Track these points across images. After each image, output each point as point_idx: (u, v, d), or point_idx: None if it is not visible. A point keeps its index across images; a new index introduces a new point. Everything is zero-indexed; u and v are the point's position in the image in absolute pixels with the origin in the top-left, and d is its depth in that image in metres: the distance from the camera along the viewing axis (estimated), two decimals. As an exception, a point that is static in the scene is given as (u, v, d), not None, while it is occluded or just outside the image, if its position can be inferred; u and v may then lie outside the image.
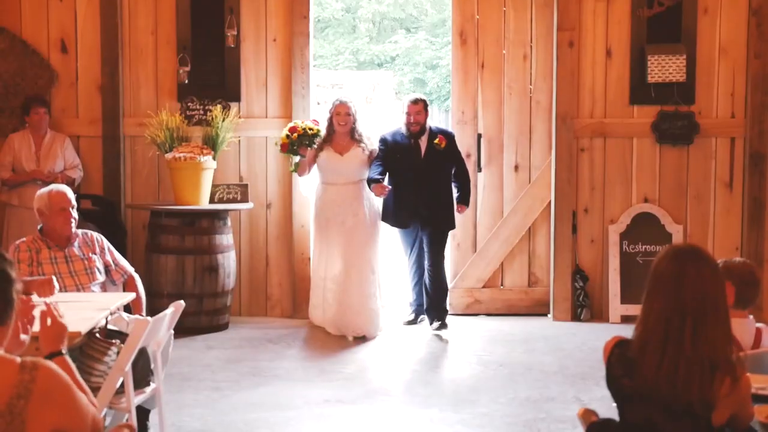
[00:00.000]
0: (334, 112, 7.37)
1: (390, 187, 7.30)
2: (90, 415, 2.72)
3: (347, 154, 7.34)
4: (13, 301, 2.64)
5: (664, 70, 7.79)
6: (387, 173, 7.41)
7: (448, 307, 7.66)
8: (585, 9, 7.91)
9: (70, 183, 7.29)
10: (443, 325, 7.47)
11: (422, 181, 7.33)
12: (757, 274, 4.10)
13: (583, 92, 7.96)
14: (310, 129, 7.41)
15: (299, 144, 7.40)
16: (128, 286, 5.37)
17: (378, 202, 7.52)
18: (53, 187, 5.35)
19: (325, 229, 7.38)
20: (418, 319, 7.71)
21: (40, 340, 2.86)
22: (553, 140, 7.99)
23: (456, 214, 7.49)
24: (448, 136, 7.44)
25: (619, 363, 3.00)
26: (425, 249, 7.48)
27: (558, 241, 7.99)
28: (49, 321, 3.00)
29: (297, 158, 7.52)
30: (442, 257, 7.57)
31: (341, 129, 7.34)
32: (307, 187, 7.85)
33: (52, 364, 2.64)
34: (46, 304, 2.98)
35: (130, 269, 5.47)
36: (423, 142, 7.37)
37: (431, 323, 7.50)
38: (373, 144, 7.44)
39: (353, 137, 7.37)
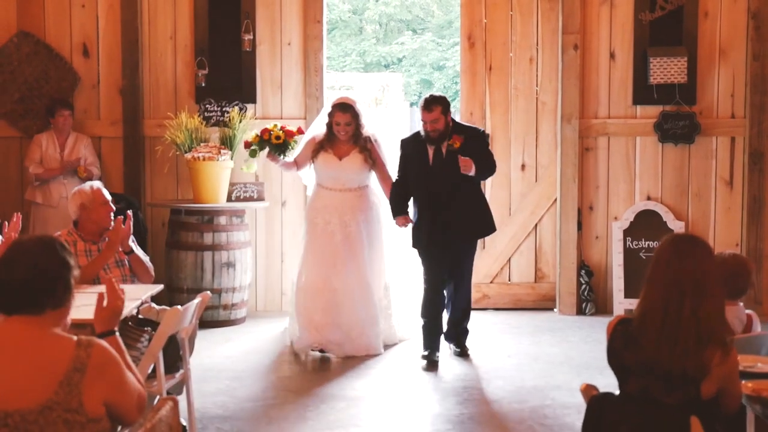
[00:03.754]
0: (333, 121, 6.82)
1: (412, 220, 6.62)
2: (137, 391, 2.99)
3: (346, 159, 6.85)
4: (72, 287, 2.92)
5: (666, 71, 8.01)
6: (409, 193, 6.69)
7: (468, 328, 6.84)
8: (589, 13, 8.13)
9: (95, 178, 7.58)
10: (463, 353, 6.75)
11: (442, 188, 6.51)
12: (747, 265, 4.32)
13: (587, 93, 8.18)
14: (277, 138, 6.95)
15: (261, 148, 7.06)
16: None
17: (384, 213, 6.98)
18: (91, 183, 5.61)
19: (314, 237, 6.91)
20: (436, 355, 6.62)
21: (95, 320, 3.06)
22: (558, 140, 8.22)
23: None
24: (470, 134, 6.61)
25: (621, 337, 3.28)
26: (451, 263, 6.60)
27: (563, 238, 8.22)
28: (105, 302, 3.16)
29: (253, 160, 7.38)
30: (470, 271, 6.74)
31: (342, 137, 6.85)
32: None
33: (104, 343, 2.91)
34: (109, 282, 3.09)
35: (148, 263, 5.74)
36: (445, 146, 6.56)
37: (448, 346, 6.80)
38: (379, 149, 6.90)
39: (356, 143, 6.87)
